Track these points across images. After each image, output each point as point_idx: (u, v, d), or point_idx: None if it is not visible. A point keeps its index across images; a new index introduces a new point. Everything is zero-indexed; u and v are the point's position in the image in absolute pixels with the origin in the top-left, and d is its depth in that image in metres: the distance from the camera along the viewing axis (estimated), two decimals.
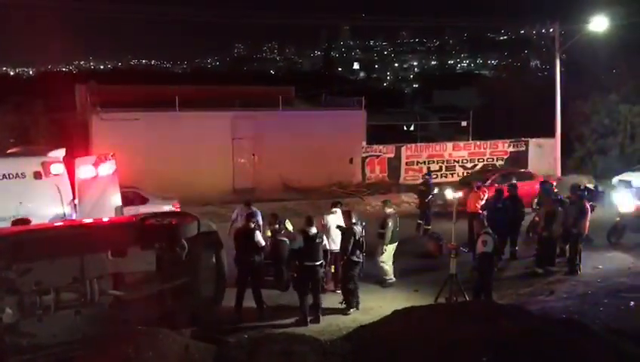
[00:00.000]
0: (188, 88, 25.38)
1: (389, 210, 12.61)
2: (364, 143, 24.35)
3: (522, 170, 22.08)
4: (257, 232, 11.11)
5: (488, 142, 26.07)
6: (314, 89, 33.80)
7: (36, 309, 7.96)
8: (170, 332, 7.07)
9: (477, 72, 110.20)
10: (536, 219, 14.51)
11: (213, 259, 9.23)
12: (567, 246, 13.43)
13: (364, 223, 11.66)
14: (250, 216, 11.30)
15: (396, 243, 12.43)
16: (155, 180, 19.19)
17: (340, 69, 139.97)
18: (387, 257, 12.31)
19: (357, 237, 10.97)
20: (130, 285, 8.54)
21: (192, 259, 8.93)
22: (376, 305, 11.14)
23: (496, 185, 17.65)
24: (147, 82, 32.30)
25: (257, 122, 22.61)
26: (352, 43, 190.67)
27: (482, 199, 14.95)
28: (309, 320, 10.39)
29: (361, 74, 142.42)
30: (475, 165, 25.61)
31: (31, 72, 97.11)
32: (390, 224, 12.21)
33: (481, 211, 14.18)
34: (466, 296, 10.72)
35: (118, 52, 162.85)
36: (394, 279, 12.38)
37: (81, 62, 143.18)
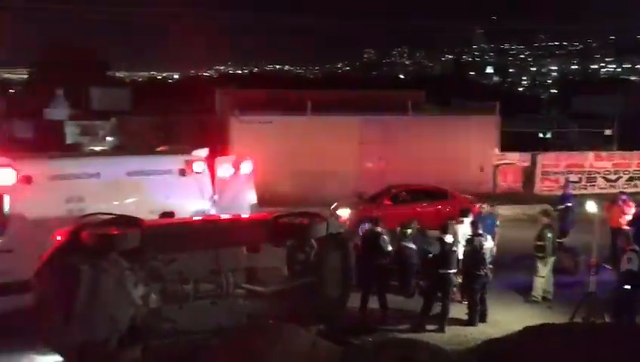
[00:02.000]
0: (319, 93, 25.98)
1: (546, 220, 12.06)
2: (496, 150, 23.49)
3: (434, 187, 18.30)
4: (384, 236, 11.13)
5: (635, 153, 24.04)
6: (445, 93, 33.21)
7: (177, 297, 8.57)
8: (299, 328, 7.28)
9: (624, 77, 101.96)
10: None
11: (341, 261, 9.37)
12: None
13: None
14: (377, 220, 11.34)
15: (554, 258, 11.89)
16: (286, 182, 19.93)
17: (472, 73, 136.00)
18: (544, 272, 11.78)
19: (478, 249, 10.64)
20: (262, 280, 8.88)
21: (320, 259, 9.13)
22: (506, 318, 10.71)
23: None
24: (281, 86, 33.55)
25: (386, 127, 22.60)
26: (485, 46, 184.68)
27: (627, 214, 13.85)
28: (434, 328, 10.25)
29: (495, 78, 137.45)
30: (620, 177, 23.73)
31: (176, 76, 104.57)
32: (549, 235, 11.71)
33: (627, 226, 13.16)
34: (606, 318, 9.99)
35: (255, 57, 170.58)
36: (539, 298, 11.77)
37: (221, 68, 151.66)
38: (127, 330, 8.27)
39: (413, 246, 12.01)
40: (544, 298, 11.82)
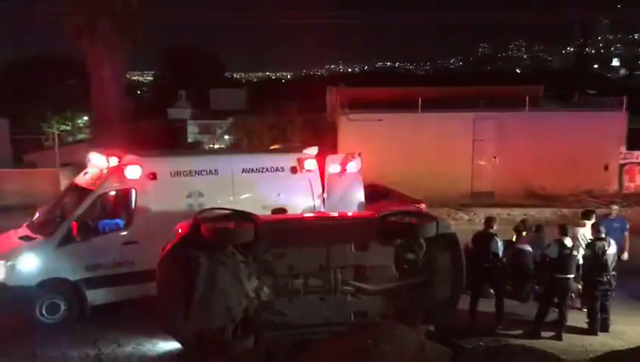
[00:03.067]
0: (429, 89, 25.54)
1: None
2: (623, 149, 21.90)
3: (379, 186, 15.76)
4: (496, 238, 10.73)
5: None
6: (565, 88, 31.42)
7: (287, 291, 8.80)
8: (407, 328, 7.20)
9: None
10: None
11: (450, 261, 9.16)
12: None
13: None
14: (490, 221, 10.96)
15: None
16: (395, 180, 19.78)
17: (595, 66, 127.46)
18: None
19: (599, 254, 9.95)
20: (370, 278, 8.88)
21: (429, 259, 8.98)
22: (631, 329, 9.97)
23: None
24: (391, 84, 33.36)
25: (500, 123, 21.77)
26: (611, 37, 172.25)
27: None
28: (550, 336, 9.76)
29: (622, 71, 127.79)
30: None
31: (289, 76, 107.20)
32: None
33: None
34: None
35: (365, 55, 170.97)
36: None
37: (332, 66, 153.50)
38: (240, 321, 8.62)
39: (529, 248, 11.50)
40: None
